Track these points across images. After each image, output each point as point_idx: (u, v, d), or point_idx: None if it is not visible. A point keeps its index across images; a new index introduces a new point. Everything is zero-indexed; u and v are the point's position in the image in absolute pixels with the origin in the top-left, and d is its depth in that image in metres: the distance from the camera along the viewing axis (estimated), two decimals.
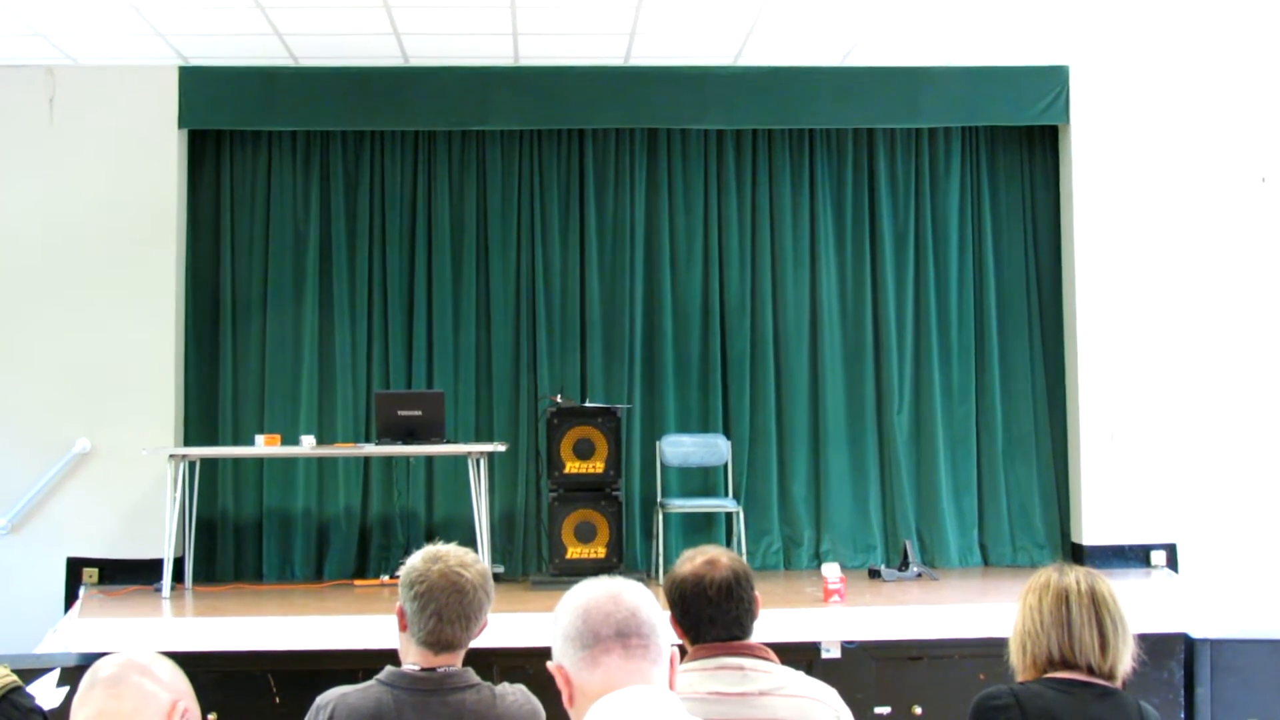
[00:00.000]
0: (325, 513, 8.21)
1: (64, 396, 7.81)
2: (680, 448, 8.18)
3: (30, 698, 3.45)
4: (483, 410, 8.38)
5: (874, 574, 7.82)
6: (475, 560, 3.00)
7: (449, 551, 2.99)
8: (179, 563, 7.44)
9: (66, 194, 7.90)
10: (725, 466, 8.24)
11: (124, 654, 2.46)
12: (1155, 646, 6.28)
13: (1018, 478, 8.45)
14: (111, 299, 7.89)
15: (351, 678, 3.05)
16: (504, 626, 6.25)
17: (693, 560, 3.02)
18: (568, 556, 7.51)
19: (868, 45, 7.84)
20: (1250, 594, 7.54)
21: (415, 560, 2.98)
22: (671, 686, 2.20)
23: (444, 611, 2.88)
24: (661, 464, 8.15)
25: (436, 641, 2.91)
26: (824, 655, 6.37)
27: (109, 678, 2.40)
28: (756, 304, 8.48)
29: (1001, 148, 8.64)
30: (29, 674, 3.75)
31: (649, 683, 2.15)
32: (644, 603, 2.23)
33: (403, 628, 2.96)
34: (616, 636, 2.16)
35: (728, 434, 8.33)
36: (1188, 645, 6.60)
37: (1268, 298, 8.25)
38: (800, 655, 6.01)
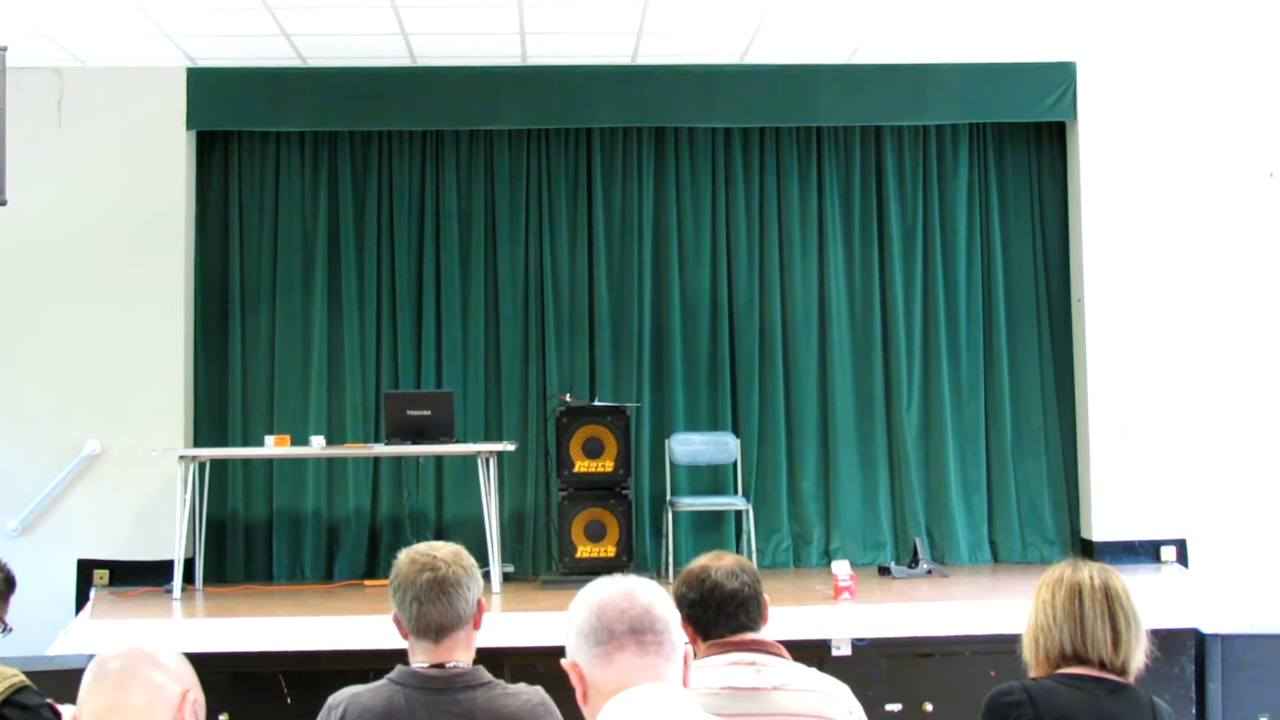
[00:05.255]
0: (335, 513, 8.22)
1: (74, 399, 7.83)
2: (689, 446, 8.17)
3: (39, 696, 3.45)
4: (492, 410, 8.38)
5: (884, 571, 7.81)
6: (447, 545, 3.03)
7: (418, 545, 3.04)
8: (189, 564, 7.47)
9: (75, 196, 7.91)
10: (734, 464, 8.23)
11: (129, 644, 2.39)
12: (1166, 642, 6.26)
13: (1027, 474, 8.43)
14: (120, 300, 7.90)
15: (363, 677, 3.05)
16: (514, 626, 6.26)
17: (698, 560, 3.09)
18: (577, 555, 7.52)
19: (874, 43, 7.84)
20: (1261, 589, 7.52)
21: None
22: (685, 683, 2.21)
23: (421, 595, 2.89)
24: (671, 462, 8.15)
25: (427, 628, 2.91)
26: (834, 653, 6.38)
27: (118, 670, 2.33)
28: (765, 301, 8.47)
29: (1009, 144, 8.62)
30: (40, 676, 3.75)
31: (663, 679, 2.16)
32: (658, 600, 2.23)
33: (403, 633, 2.98)
34: (630, 633, 2.17)
35: (737, 432, 8.31)
36: (1199, 641, 6.59)
37: (1276, 293, 8.23)
38: (811, 653, 6.00)
